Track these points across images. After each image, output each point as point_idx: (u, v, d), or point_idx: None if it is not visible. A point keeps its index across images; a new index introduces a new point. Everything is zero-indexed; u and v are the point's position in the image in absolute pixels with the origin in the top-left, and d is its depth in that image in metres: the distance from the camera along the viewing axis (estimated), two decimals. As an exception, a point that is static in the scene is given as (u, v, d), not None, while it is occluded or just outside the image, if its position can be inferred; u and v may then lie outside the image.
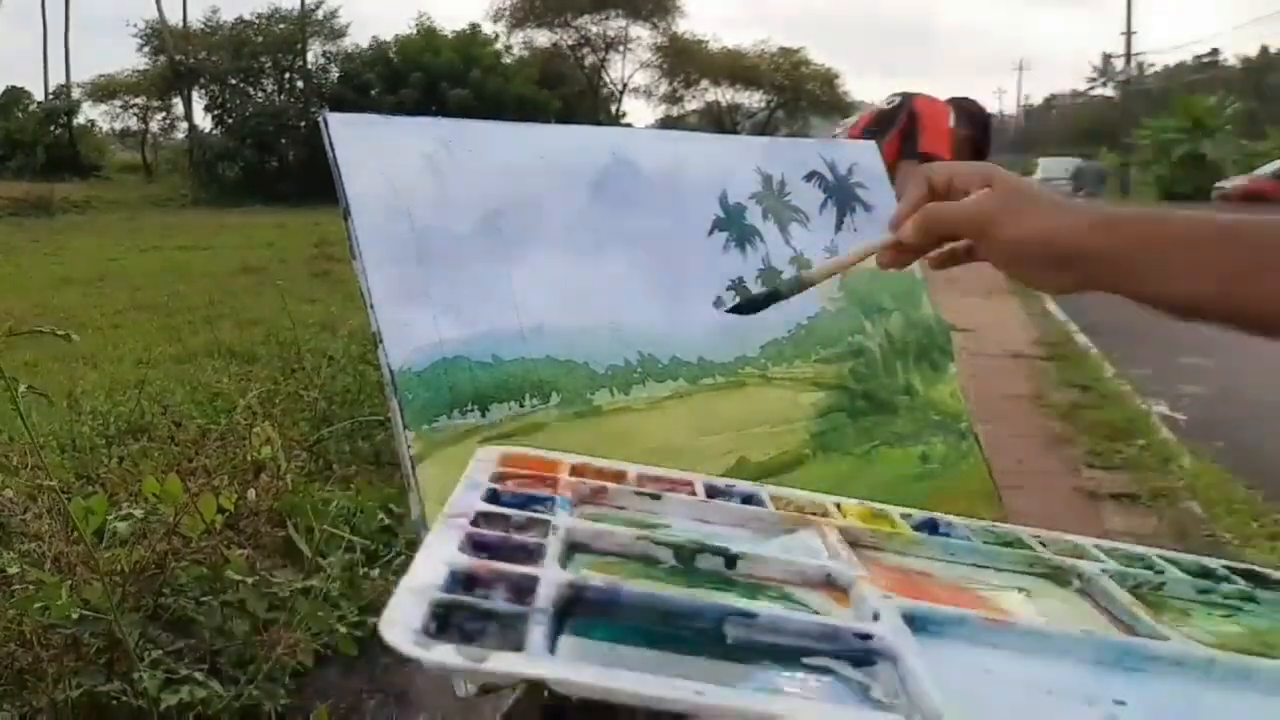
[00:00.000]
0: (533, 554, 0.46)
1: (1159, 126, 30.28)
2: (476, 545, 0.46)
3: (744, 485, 0.63)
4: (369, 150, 1.02)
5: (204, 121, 29.88)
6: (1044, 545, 0.61)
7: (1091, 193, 26.46)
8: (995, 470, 1.35)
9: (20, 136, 28.02)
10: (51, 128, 28.81)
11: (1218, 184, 25.97)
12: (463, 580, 0.41)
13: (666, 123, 34.41)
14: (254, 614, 1.75)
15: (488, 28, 31.55)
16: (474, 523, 0.48)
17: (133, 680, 1.55)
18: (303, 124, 26.32)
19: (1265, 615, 0.57)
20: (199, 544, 1.81)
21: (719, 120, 34.56)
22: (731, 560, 0.50)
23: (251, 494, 2.14)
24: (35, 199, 20.04)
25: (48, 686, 1.55)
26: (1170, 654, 0.46)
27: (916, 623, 0.44)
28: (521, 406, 1.00)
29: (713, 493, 0.62)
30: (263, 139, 26.62)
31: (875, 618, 0.44)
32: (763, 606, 0.43)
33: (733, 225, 1.24)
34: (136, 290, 8.82)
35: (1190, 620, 0.54)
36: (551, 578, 0.42)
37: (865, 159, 1.44)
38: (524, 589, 0.41)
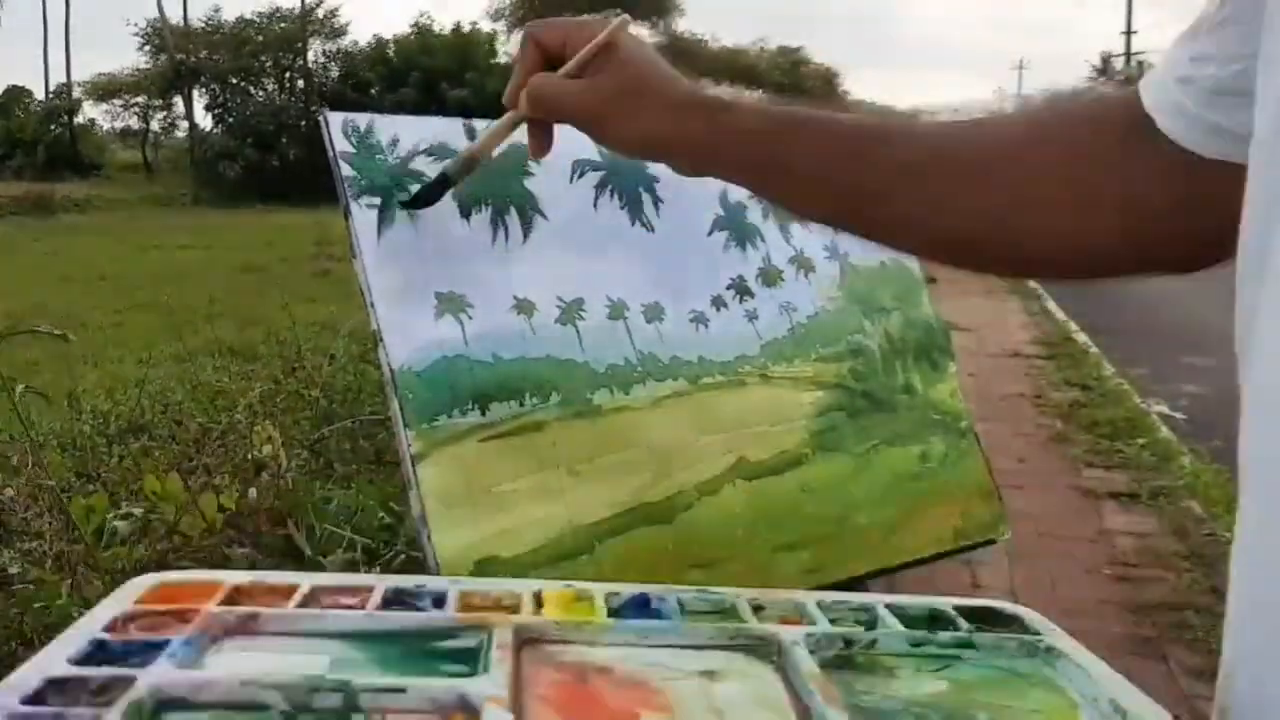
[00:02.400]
0: None
1: (1159, 126, 30.29)
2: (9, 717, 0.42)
3: (435, 584, 0.59)
4: (369, 149, 1.02)
5: (205, 120, 29.90)
6: (759, 610, 0.57)
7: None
8: (995, 470, 1.35)
9: (21, 135, 28.04)
10: (52, 127, 28.83)
11: (1218, 183, 25.96)
12: None
13: (667, 122, 34.34)
14: (254, 613, 1.75)
15: (487, 27, 31.55)
16: (36, 698, 0.43)
17: (133, 679, 1.55)
18: (303, 123, 26.33)
19: (978, 665, 0.54)
20: (200, 543, 1.81)
21: (719, 119, 34.49)
22: (352, 695, 0.45)
23: (252, 493, 2.15)
24: (36, 198, 20.04)
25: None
26: None
27: None
28: (521, 405, 1.01)
29: (394, 597, 0.57)
30: (263, 138, 26.62)
31: None
32: None
33: (733, 224, 1.24)
34: (137, 289, 8.82)
35: (895, 681, 0.51)
36: None
37: (865, 158, 1.45)
38: None
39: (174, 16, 30.56)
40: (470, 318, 1.01)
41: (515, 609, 0.56)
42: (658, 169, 1.20)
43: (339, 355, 3.75)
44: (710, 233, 1.22)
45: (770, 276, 1.24)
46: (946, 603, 0.59)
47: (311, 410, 3.25)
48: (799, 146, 0.63)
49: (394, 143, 1.04)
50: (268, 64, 29.67)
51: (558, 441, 1.01)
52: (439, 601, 0.56)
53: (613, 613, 0.56)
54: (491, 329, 1.02)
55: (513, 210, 1.08)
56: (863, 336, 1.31)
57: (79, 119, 30.04)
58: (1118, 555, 3.51)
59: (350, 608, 0.55)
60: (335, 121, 1.01)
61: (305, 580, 0.57)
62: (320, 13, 29.76)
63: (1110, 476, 3.84)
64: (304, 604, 0.55)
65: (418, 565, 1.96)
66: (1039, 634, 0.56)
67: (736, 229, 1.25)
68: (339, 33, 30.21)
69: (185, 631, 0.50)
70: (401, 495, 1.80)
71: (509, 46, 31.79)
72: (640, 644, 0.53)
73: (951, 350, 1.41)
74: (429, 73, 26.74)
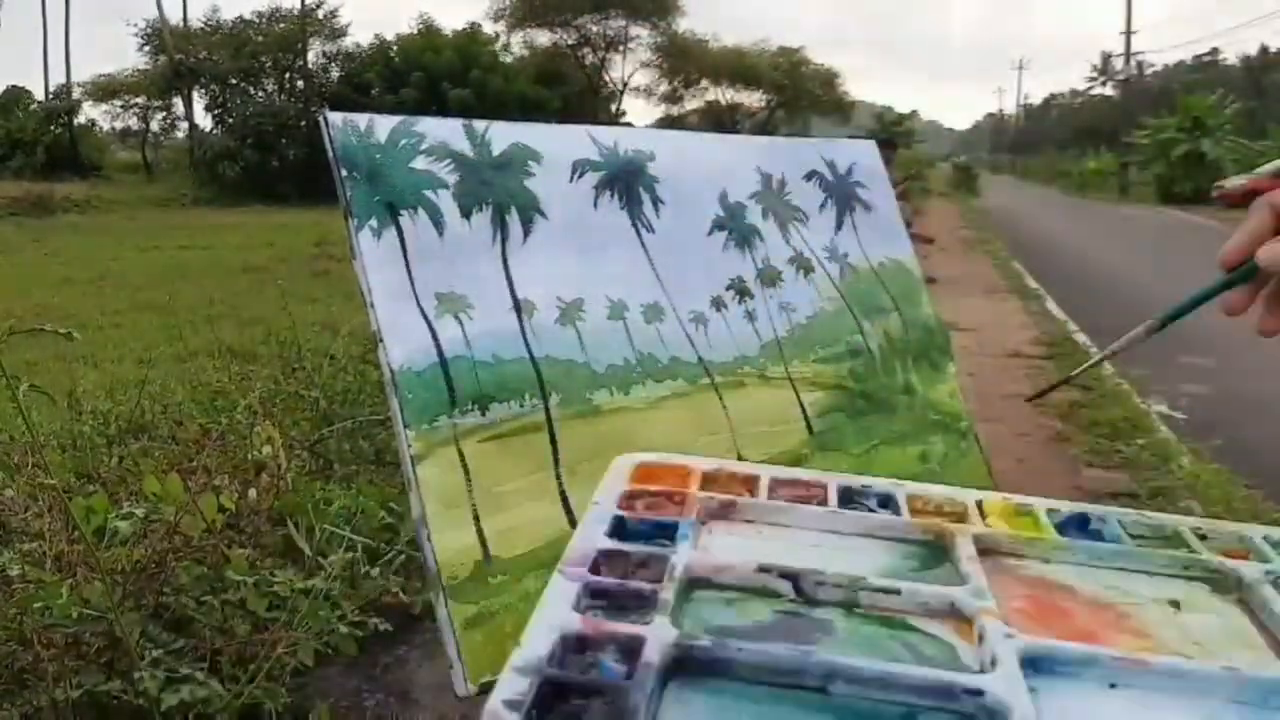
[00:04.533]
0: (648, 601, 0.46)
1: (1158, 126, 30.25)
2: (594, 594, 0.47)
3: (880, 485, 0.62)
4: (369, 150, 1.02)
5: (204, 121, 29.88)
6: (1204, 539, 0.57)
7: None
8: (995, 470, 1.35)
9: (21, 136, 28.00)
10: (52, 127, 28.78)
11: (1217, 183, 25.95)
12: (573, 645, 0.42)
13: (666, 122, 34.38)
14: (255, 613, 1.75)
15: (488, 27, 31.54)
16: (594, 566, 0.49)
17: (133, 680, 1.55)
18: (303, 124, 26.29)
19: None
20: (200, 543, 1.81)
21: (719, 120, 34.53)
22: (853, 590, 0.48)
23: (252, 493, 2.15)
24: (35, 198, 20.01)
25: (48, 686, 1.55)
26: None
27: (1041, 664, 0.42)
28: (521, 406, 1.01)
29: (847, 496, 0.60)
30: (263, 138, 26.59)
31: (993, 663, 0.42)
32: (871, 661, 0.42)
33: (733, 225, 1.24)
34: (137, 290, 8.81)
35: None
36: (660, 638, 0.42)
37: (865, 159, 1.45)
38: (633, 651, 0.42)
39: (174, 17, 30.56)
40: (470, 318, 1.01)
41: (963, 517, 0.58)
42: (658, 169, 1.20)
43: (339, 356, 3.74)
44: (710, 233, 1.23)
45: (770, 277, 1.24)
46: None
47: (311, 411, 3.25)
48: None
49: (394, 143, 1.04)
50: (267, 64, 29.65)
51: (558, 441, 1.01)
52: (885, 503, 0.60)
53: (1058, 529, 0.58)
54: (491, 329, 1.02)
55: (513, 210, 1.08)
56: (862, 337, 1.31)
57: (79, 119, 30.01)
58: (1118, 555, 3.51)
59: (808, 501, 0.60)
60: (335, 122, 1.01)
61: (765, 472, 0.63)
62: (320, 13, 29.74)
63: (1110, 476, 3.83)
64: (770, 495, 0.60)
65: (418, 565, 1.97)
66: None
67: (736, 229, 1.25)
68: (339, 33, 30.20)
69: (684, 514, 0.56)
70: (402, 496, 1.80)
71: (512, 46, 31.82)
72: (1093, 564, 0.54)
73: (951, 350, 1.41)
74: (430, 73, 26.72)
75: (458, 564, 0.93)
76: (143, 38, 30.15)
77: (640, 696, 0.38)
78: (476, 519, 0.95)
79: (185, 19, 30.63)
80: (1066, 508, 0.60)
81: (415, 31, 29.45)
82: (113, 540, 1.82)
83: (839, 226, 1.37)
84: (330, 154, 0.99)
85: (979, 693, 0.39)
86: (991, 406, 4.51)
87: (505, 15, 33.41)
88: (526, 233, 1.08)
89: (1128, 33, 38.79)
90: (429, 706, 1.91)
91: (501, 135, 1.12)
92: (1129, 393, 5.09)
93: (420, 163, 1.05)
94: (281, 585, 1.79)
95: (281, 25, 29.55)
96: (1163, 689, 0.41)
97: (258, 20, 29.81)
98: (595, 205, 1.14)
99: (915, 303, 1.39)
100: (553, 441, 1.01)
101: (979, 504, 0.60)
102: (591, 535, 0.53)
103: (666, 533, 0.54)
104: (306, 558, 1.91)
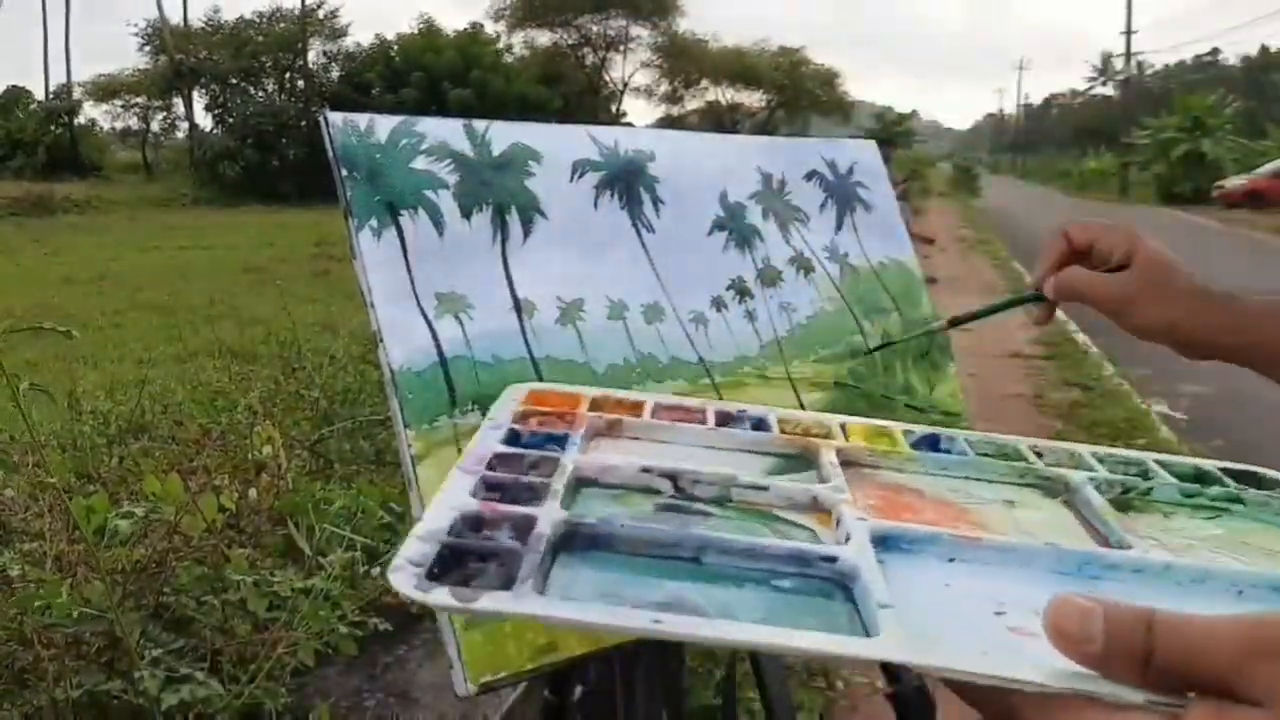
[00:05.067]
0: (539, 493, 0.50)
1: (1159, 126, 30.26)
2: (489, 487, 0.51)
3: (754, 410, 0.67)
4: (369, 150, 1.02)
5: (205, 121, 29.90)
6: (1040, 456, 0.63)
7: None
8: (995, 470, 1.35)
9: (21, 136, 28.02)
10: (52, 127, 28.80)
11: (1217, 183, 25.96)
12: (471, 523, 0.46)
13: (667, 122, 34.39)
14: (254, 613, 1.75)
15: (489, 27, 31.55)
16: (490, 466, 0.54)
17: (133, 679, 1.55)
18: (303, 123, 26.31)
19: (1248, 516, 0.59)
20: (200, 543, 1.81)
21: (719, 120, 34.55)
22: (725, 487, 0.54)
23: (252, 493, 2.15)
24: (36, 198, 20.03)
25: (48, 685, 1.55)
26: (1127, 562, 0.48)
27: (889, 542, 0.48)
28: (522, 406, 1.01)
29: (724, 419, 0.65)
30: (263, 138, 26.61)
31: (847, 538, 0.48)
32: (738, 536, 0.47)
33: (733, 225, 1.24)
34: (137, 290, 8.82)
35: (1171, 525, 0.57)
36: (550, 516, 0.46)
37: (866, 158, 1.45)
38: (525, 528, 0.45)
39: (174, 17, 30.57)
40: (470, 318, 1.01)
41: (828, 435, 0.64)
42: (658, 169, 1.20)
43: (339, 356, 3.75)
44: (710, 233, 1.22)
45: (770, 277, 1.24)
46: (1211, 463, 0.64)
47: (312, 411, 3.25)
48: None
49: (394, 143, 1.04)
50: (268, 64, 29.68)
51: (558, 442, 1.01)
52: (758, 425, 0.65)
53: (913, 447, 0.64)
54: (491, 329, 1.02)
55: (513, 210, 1.08)
56: (863, 337, 1.31)
57: (79, 119, 30.03)
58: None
59: (688, 422, 0.65)
60: (335, 121, 1.01)
61: (649, 399, 0.68)
62: (321, 13, 29.76)
63: (1110, 477, 3.83)
64: (654, 416, 0.65)
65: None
66: None
67: (736, 229, 1.25)
68: (340, 33, 30.21)
69: (574, 430, 0.61)
70: (402, 496, 1.80)
71: (512, 46, 31.82)
72: (941, 474, 0.61)
73: (951, 350, 1.41)
74: (431, 73, 26.73)
75: (458, 564, 0.93)
76: (143, 38, 30.19)
77: (532, 560, 0.42)
78: (476, 519, 0.95)
79: (185, 19, 30.67)
80: (920, 429, 0.67)
81: (416, 31, 29.48)
82: (113, 540, 1.82)
83: (839, 226, 1.37)
84: (330, 154, 0.99)
85: (832, 559, 0.45)
86: (992, 407, 4.51)
87: (506, 15, 33.43)
88: (526, 233, 1.08)
89: (1128, 32, 38.81)
90: (429, 706, 1.91)
91: (502, 135, 1.12)
92: (1129, 393, 5.10)
93: (420, 163, 1.05)
94: (281, 585, 1.79)
95: (282, 25, 29.57)
96: (993, 562, 0.47)
97: (258, 20, 29.84)
98: (595, 205, 1.14)
99: (916, 303, 1.39)
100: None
101: (843, 426, 0.65)
102: (487, 441, 0.58)
103: (557, 443, 0.59)
104: (306, 558, 1.92)
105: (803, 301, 1.27)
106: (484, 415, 1.02)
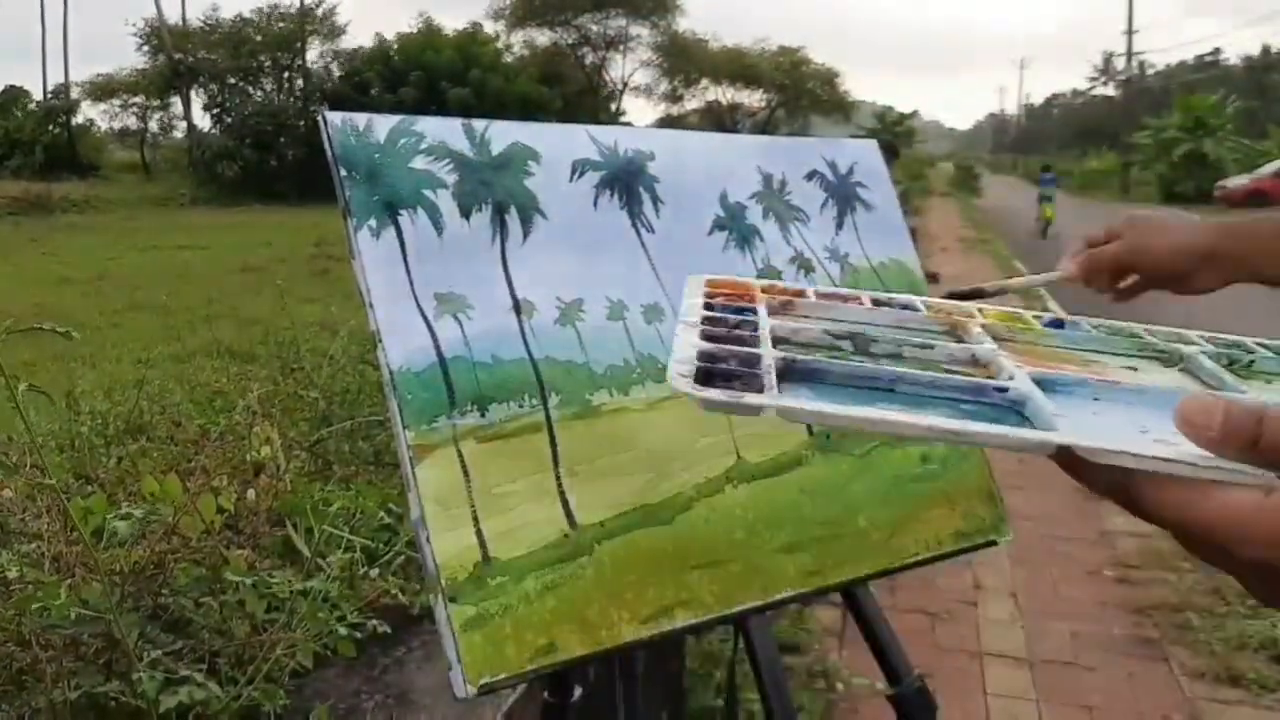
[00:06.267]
0: (749, 343, 0.60)
1: (1160, 125, 30.26)
2: (708, 339, 0.60)
3: (901, 297, 0.78)
4: (368, 149, 1.01)
5: (203, 120, 29.88)
6: (1152, 335, 0.72)
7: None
8: (996, 470, 1.34)
9: (19, 136, 27.99)
10: (50, 127, 28.77)
11: (1219, 183, 25.95)
12: (707, 357, 0.56)
13: (667, 121, 34.38)
14: (253, 614, 1.74)
15: (488, 27, 31.53)
16: (701, 325, 0.63)
17: (132, 680, 1.55)
18: (302, 123, 26.29)
19: None
20: (198, 544, 1.81)
21: (719, 119, 34.54)
22: (898, 346, 0.63)
23: (251, 494, 2.14)
24: (34, 198, 20.01)
25: (46, 687, 1.55)
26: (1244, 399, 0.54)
27: (1044, 384, 0.55)
28: (521, 407, 1.00)
29: (877, 302, 0.75)
30: (262, 138, 26.58)
31: (1011, 378, 0.56)
32: (925, 371, 0.56)
33: (733, 224, 1.24)
34: (135, 290, 8.82)
35: (1273, 388, 0.65)
36: (769, 354, 0.56)
37: (866, 158, 1.44)
38: (751, 361, 0.55)
39: (172, 16, 30.56)
40: (470, 318, 1.01)
41: (970, 316, 0.73)
42: (658, 169, 1.20)
43: (338, 356, 3.74)
44: (710, 233, 1.22)
45: (770, 277, 1.24)
46: None
47: (310, 411, 3.24)
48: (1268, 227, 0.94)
49: (393, 142, 1.03)
50: (266, 64, 29.65)
51: (557, 442, 1.01)
52: (907, 308, 0.75)
53: (1044, 327, 0.74)
54: (491, 329, 1.01)
55: (512, 210, 1.08)
56: (863, 337, 1.31)
57: (77, 119, 30.00)
58: (1119, 556, 3.51)
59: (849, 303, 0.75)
60: (334, 121, 1.00)
61: (810, 286, 0.79)
62: (319, 12, 29.74)
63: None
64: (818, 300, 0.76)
65: (417, 566, 1.96)
66: None
67: (737, 229, 1.24)
68: (338, 32, 30.19)
69: (754, 304, 0.71)
70: (401, 497, 1.80)
71: (512, 46, 31.78)
72: (1072, 347, 0.71)
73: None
74: (430, 72, 26.71)
75: (457, 565, 0.92)
76: (141, 37, 30.16)
77: (769, 380, 0.52)
78: (476, 520, 0.94)
79: (184, 18, 30.66)
80: (1048, 316, 0.76)
81: (415, 31, 29.46)
82: (111, 541, 1.81)
83: (840, 226, 1.36)
84: (329, 153, 0.99)
85: (1004, 389, 0.54)
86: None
87: (505, 15, 33.43)
88: (526, 233, 1.08)
89: (1129, 32, 38.80)
90: (428, 708, 1.91)
91: (501, 135, 1.11)
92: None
93: (419, 162, 1.04)
94: (280, 586, 1.78)
95: (280, 24, 29.55)
96: (1129, 402, 0.55)
97: (257, 19, 29.82)
98: (595, 205, 1.13)
99: (916, 303, 1.39)
100: (552, 442, 1.01)
101: (980, 309, 0.75)
102: (694, 308, 0.68)
103: (746, 315, 0.68)
104: (305, 559, 1.91)
105: (803, 302, 1.26)
106: (483, 416, 1.02)
